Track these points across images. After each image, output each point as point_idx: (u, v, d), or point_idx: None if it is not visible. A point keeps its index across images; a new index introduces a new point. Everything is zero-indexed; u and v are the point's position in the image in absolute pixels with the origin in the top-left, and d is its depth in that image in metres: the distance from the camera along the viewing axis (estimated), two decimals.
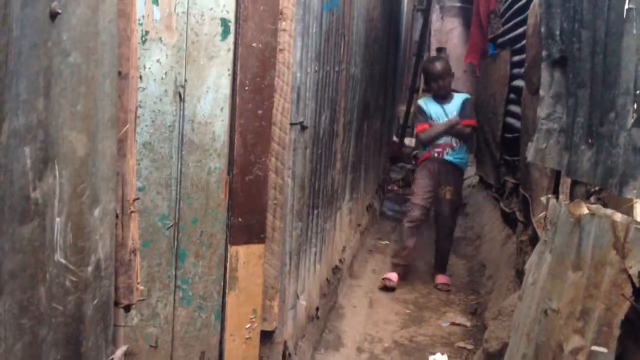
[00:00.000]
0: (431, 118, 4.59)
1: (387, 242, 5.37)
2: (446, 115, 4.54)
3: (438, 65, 4.58)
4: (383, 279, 4.38)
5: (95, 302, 1.11)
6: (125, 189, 1.25)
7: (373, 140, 5.42)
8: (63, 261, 1.01)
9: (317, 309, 3.22)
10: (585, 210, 1.87)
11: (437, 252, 4.69)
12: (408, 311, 4.06)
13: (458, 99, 4.64)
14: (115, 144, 1.13)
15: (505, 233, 4.73)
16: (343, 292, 4.04)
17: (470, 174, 8.20)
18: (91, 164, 1.04)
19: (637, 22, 1.62)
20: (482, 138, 6.73)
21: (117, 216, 1.22)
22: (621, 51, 1.72)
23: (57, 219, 0.98)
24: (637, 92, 1.61)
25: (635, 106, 1.62)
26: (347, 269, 4.27)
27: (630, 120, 1.65)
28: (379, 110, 5.69)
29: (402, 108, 8.46)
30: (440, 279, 4.54)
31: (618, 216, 1.78)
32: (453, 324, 3.86)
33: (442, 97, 4.59)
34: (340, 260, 3.95)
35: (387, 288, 4.32)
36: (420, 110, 4.71)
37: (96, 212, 1.07)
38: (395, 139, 8.10)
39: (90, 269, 1.07)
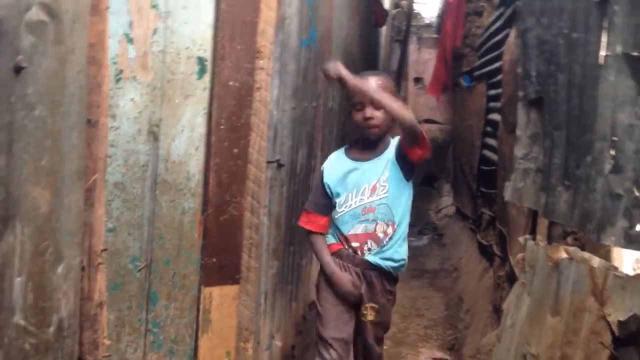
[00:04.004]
0: (335, 193, 2.43)
1: None
2: (362, 183, 2.38)
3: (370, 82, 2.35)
4: None
5: None
6: (92, 240, 1.21)
7: None
8: (22, 323, 0.95)
9: (293, 347, 3.15)
10: (564, 255, 1.86)
11: None
12: (385, 347, 4.00)
13: (391, 148, 2.40)
14: (83, 196, 1.08)
15: (482, 266, 4.72)
16: None
17: (447, 203, 8.23)
18: (55, 220, 0.99)
19: (614, 69, 1.63)
20: (459, 169, 6.78)
21: (83, 268, 1.17)
22: (598, 97, 1.72)
23: (17, 279, 0.93)
24: (614, 138, 1.61)
25: (612, 152, 1.62)
26: None
27: (608, 167, 1.65)
28: None
29: None
30: None
31: (596, 261, 1.76)
32: (435, 359, 3.81)
33: (366, 147, 2.44)
34: None
35: None
36: (318, 178, 2.54)
37: (59, 269, 1.02)
38: None
39: (51, 329, 1.02)
